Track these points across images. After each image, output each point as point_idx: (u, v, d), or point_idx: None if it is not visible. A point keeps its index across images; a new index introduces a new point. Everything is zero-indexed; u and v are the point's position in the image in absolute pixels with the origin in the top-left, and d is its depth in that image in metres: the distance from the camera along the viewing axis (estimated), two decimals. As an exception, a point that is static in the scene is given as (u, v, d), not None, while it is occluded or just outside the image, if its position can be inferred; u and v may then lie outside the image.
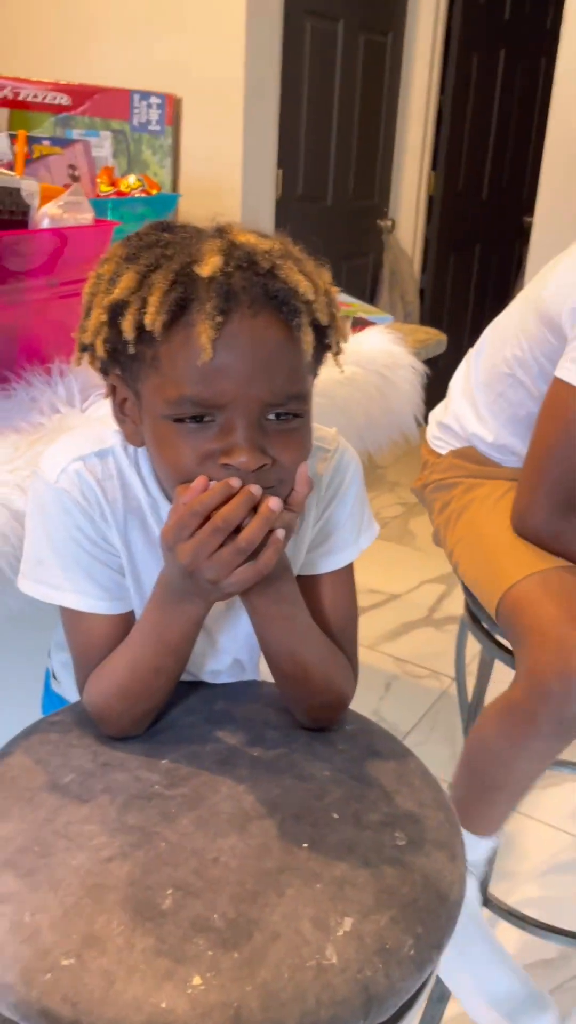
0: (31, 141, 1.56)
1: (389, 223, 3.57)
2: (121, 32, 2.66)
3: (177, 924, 0.64)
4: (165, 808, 0.75)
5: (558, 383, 1.14)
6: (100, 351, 0.71)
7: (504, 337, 1.28)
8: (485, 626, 1.30)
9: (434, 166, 3.62)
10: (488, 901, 1.32)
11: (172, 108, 1.82)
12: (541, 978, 1.43)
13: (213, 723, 0.86)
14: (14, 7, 2.81)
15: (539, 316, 1.20)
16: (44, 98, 1.77)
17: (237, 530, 0.67)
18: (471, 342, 1.39)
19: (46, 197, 1.05)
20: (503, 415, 1.29)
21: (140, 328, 0.67)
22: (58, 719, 0.87)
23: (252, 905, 0.66)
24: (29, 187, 0.97)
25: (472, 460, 1.33)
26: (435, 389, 1.52)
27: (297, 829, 0.73)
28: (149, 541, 0.81)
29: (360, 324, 1.56)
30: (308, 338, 0.68)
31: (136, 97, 1.81)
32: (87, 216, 1.06)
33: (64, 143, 1.58)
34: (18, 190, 0.97)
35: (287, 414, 0.70)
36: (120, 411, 0.76)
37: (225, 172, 2.66)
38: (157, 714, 0.85)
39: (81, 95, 1.80)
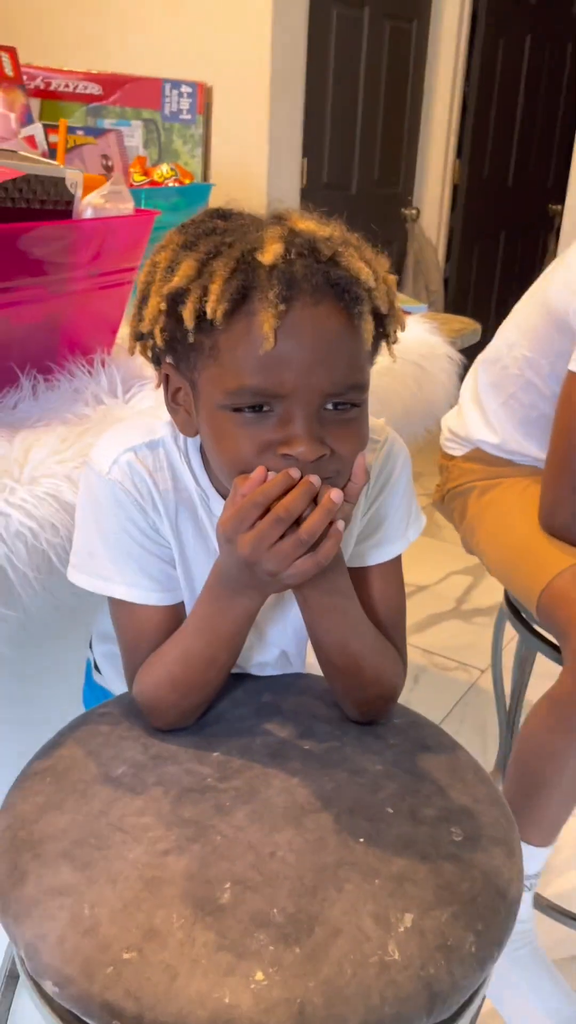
0: (66, 132, 1.55)
1: (414, 211, 3.55)
2: (149, 21, 2.65)
3: (237, 919, 0.64)
4: (219, 801, 0.74)
5: (571, 376, 1.13)
6: (158, 340, 0.70)
7: (512, 339, 1.27)
8: (525, 618, 1.29)
9: (459, 154, 3.59)
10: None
11: (203, 97, 1.80)
12: (578, 972, 1.43)
13: (262, 716, 0.86)
14: (41, -3, 2.80)
15: (546, 315, 1.19)
16: (75, 88, 1.76)
17: (297, 521, 0.67)
18: (496, 331, 1.37)
19: (87, 188, 1.04)
20: (515, 418, 1.28)
21: (200, 317, 0.66)
22: (106, 711, 0.87)
23: (312, 900, 0.66)
24: (73, 177, 0.96)
25: (482, 462, 1.33)
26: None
27: (353, 823, 0.73)
28: (200, 533, 0.81)
29: (395, 314, 1.55)
30: (369, 327, 0.67)
31: (167, 86, 1.79)
32: (128, 206, 1.06)
33: (97, 133, 1.57)
34: (62, 180, 0.96)
35: (345, 404, 0.69)
36: (173, 401, 0.75)
37: (251, 161, 2.65)
38: (207, 707, 0.85)
39: (112, 84, 1.78)
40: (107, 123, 1.76)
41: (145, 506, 0.78)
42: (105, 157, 1.57)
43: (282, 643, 0.90)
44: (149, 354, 0.75)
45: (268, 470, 0.67)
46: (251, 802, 0.74)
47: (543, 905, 1.32)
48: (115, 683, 0.99)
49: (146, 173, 1.60)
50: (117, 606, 0.82)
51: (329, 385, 0.67)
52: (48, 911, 0.65)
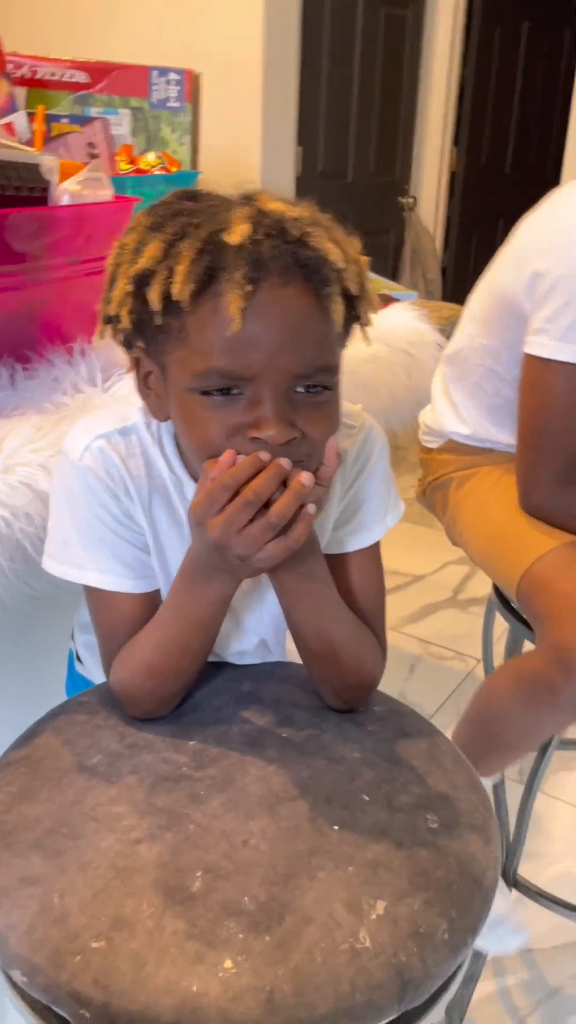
0: (50, 120, 1.54)
1: (411, 200, 3.53)
2: (139, 8, 2.63)
3: (208, 907, 0.63)
4: (194, 790, 0.74)
5: (528, 359, 1.14)
6: (125, 322, 0.70)
7: (470, 330, 1.28)
8: (514, 606, 1.28)
9: (456, 142, 3.57)
10: (517, 882, 1.31)
11: (191, 84, 1.79)
12: (571, 961, 1.42)
13: (240, 704, 0.85)
14: (30, -14, 2.78)
15: (498, 301, 1.20)
16: (62, 76, 1.75)
17: (267, 505, 0.66)
18: None
19: (65, 174, 1.04)
20: (482, 407, 1.29)
21: (167, 298, 0.65)
22: (84, 700, 0.86)
23: (284, 888, 0.65)
24: (48, 163, 0.95)
25: (457, 452, 1.33)
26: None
27: (328, 811, 0.72)
28: (174, 519, 0.80)
29: (385, 301, 1.54)
30: (338, 308, 0.66)
31: (155, 74, 1.78)
32: (107, 193, 1.05)
33: (83, 121, 1.56)
34: (37, 166, 0.95)
35: (316, 386, 0.68)
36: (144, 385, 0.75)
37: (244, 149, 2.63)
38: (184, 695, 0.84)
39: (99, 72, 1.77)
40: (94, 111, 1.75)
41: (118, 492, 0.77)
42: (91, 145, 1.56)
43: (260, 631, 0.89)
44: (120, 338, 0.74)
45: (238, 453, 0.67)
46: (226, 791, 0.74)
47: (535, 893, 1.32)
48: (97, 673, 0.99)
49: (132, 161, 1.59)
50: (92, 594, 0.81)
51: (298, 367, 0.66)
52: (18, 900, 0.64)
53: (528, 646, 1.27)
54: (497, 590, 1.32)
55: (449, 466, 1.34)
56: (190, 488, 0.78)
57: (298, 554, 0.73)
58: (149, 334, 0.70)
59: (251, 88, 2.61)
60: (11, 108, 1.45)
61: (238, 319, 0.63)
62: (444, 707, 2.04)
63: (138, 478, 0.78)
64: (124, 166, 1.57)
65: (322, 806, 0.73)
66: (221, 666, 0.91)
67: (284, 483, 0.66)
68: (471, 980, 1.28)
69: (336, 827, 0.71)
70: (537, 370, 1.14)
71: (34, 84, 1.71)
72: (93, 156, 1.55)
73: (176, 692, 0.82)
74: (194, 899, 0.64)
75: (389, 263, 3.53)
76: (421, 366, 1.40)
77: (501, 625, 1.41)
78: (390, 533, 0.88)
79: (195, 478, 0.78)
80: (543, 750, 1.20)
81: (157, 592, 0.82)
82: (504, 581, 1.17)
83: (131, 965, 0.60)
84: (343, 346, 0.73)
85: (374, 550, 0.87)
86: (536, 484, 1.17)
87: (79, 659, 1.03)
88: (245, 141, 2.65)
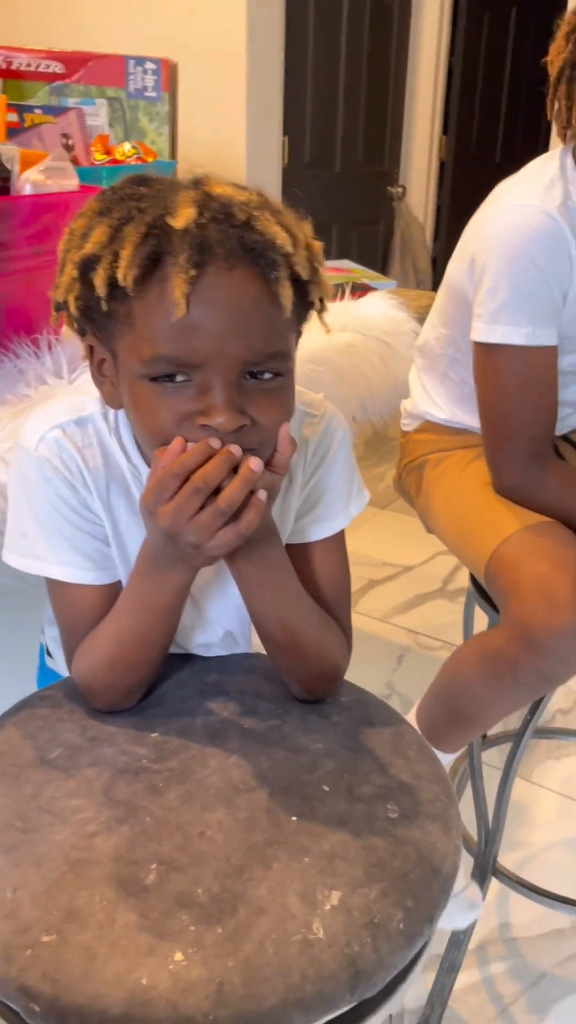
0: (23, 110, 1.53)
1: (400, 189, 3.51)
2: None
3: (161, 899, 0.63)
4: (152, 782, 0.73)
5: (477, 347, 1.15)
6: (73, 309, 0.69)
7: (434, 321, 1.31)
8: (491, 597, 1.28)
9: (445, 130, 3.55)
10: (498, 871, 1.31)
11: (168, 73, 1.78)
12: (554, 949, 1.42)
13: (205, 696, 0.85)
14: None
15: (450, 292, 1.23)
16: (38, 67, 1.74)
17: (218, 492, 0.65)
18: None
19: (29, 163, 1.03)
20: (453, 396, 1.30)
21: (113, 284, 0.64)
22: (49, 694, 0.86)
23: (237, 880, 0.65)
24: (8, 152, 0.94)
25: (433, 432, 1.34)
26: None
27: (286, 802, 0.72)
28: (133, 510, 0.79)
29: (361, 290, 1.53)
30: (287, 292, 0.65)
31: (131, 63, 1.77)
32: (72, 182, 1.04)
33: (57, 112, 1.55)
34: (-2, 155, 0.95)
35: (267, 373, 0.67)
36: (98, 373, 0.74)
37: (229, 139, 2.61)
38: (148, 687, 0.84)
39: (75, 63, 1.76)
40: (71, 102, 1.74)
41: (75, 483, 0.77)
42: (66, 136, 1.55)
43: (224, 622, 0.88)
44: (74, 325, 0.74)
45: (188, 441, 0.66)
46: (185, 783, 0.73)
47: (516, 883, 1.31)
48: (66, 667, 0.98)
49: (108, 152, 1.58)
50: (53, 587, 0.81)
51: (246, 353, 0.65)
52: (-30, 895, 0.64)
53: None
54: (475, 581, 1.32)
55: (425, 447, 1.34)
56: (148, 477, 0.78)
57: (255, 542, 0.73)
58: (98, 320, 0.69)
59: (235, 77, 2.59)
60: (-18, 99, 1.44)
61: (183, 304, 0.62)
62: (432, 697, 2.03)
63: (95, 468, 0.77)
64: (99, 156, 1.56)
65: (280, 797, 0.72)
66: (187, 658, 0.91)
67: (236, 470, 0.66)
68: (453, 969, 1.28)
69: (294, 818, 0.70)
70: (482, 356, 1.15)
71: (9, 75, 1.70)
72: (68, 147, 1.54)
73: (138, 683, 0.81)
74: (147, 891, 0.64)
75: (378, 253, 3.51)
76: (398, 355, 1.40)
77: (483, 617, 1.41)
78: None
79: (151, 465, 0.77)
80: (519, 737, 1.19)
81: (118, 583, 0.81)
82: (473, 562, 1.17)
83: (81, 958, 0.59)
84: (297, 333, 0.72)
85: (338, 540, 0.86)
86: (504, 466, 1.17)
87: (49, 653, 1.02)
88: (230, 131, 2.63)
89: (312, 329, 0.76)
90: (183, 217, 0.63)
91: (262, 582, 0.77)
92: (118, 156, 1.57)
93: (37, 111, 1.52)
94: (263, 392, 0.68)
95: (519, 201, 1.10)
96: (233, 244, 0.64)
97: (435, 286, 3.57)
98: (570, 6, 2.44)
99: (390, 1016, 0.71)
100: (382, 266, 3.51)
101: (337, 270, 1.72)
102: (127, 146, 1.58)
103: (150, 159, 1.58)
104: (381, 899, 0.64)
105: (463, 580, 2.54)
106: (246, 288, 0.64)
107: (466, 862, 1.20)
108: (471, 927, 1.26)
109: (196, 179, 0.69)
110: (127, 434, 0.78)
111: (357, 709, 0.85)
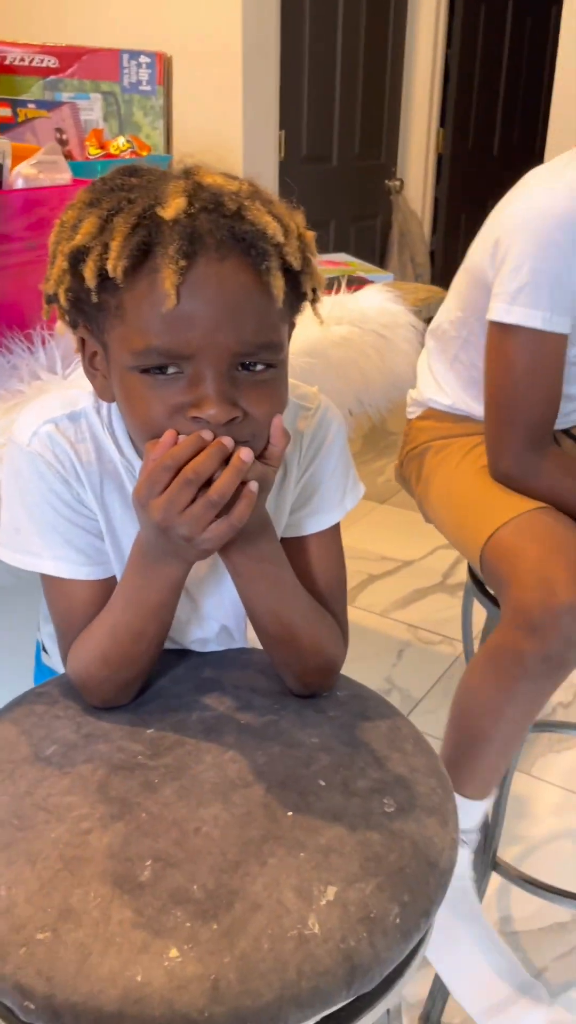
0: (16, 105, 1.52)
1: (397, 183, 3.50)
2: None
3: (156, 896, 0.63)
4: (148, 778, 0.73)
5: (492, 326, 1.16)
6: (63, 301, 0.69)
7: (449, 304, 1.31)
8: (490, 591, 1.27)
9: (442, 123, 3.53)
10: (498, 865, 1.30)
11: (162, 67, 1.77)
12: (555, 943, 1.42)
13: (201, 691, 0.84)
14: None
15: (470, 274, 1.23)
16: (31, 61, 1.73)
17: (210, 484, 0.65)
18: None
19: (21, 157, 1.02)
20: (461, 380, 1.30)
21: (103, 275, 0.64)
22: (44, 690, 0.86)
23: (233, 875, 0.64)
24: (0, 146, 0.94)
25: (436, 419, 1.34)
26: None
27: (282, 797, 0.71)
28: (126, 504, 0.79)
29: (357, 283, 1.52)
30: (278, 283, 0.65)
31: (125, 57, 1.76)
32: (64, 176, 1.03)
33: (51, 106, 1.54)
34: (-11, 149, 0.94)
35: (259, 364, 0.67)
36: (90, 365, 0.74)
37: (225, 134, 2.61)
38: (144, 683, 0.83)
39: (69, 57, 1.75)
40: (65, 96, 1.73)
41: (68, 477, 0.76)
42: (59, 131, 1.54)
43: (220, 616, 0.88)
44: (66, 318, 0.73)
45: (179, 434, 0.66)
46: (180, 778, 0.73)
47: (515, 877, 1.31)
48: (62, 664, 0.98)
49: (103, 146, 1.57)
50: (48, 582, 0.81)
51: (238, 344, 0.65)
52: (-35, 892, 0.64)
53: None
54: (473, 575, 1.31)
55: (428, 434, 1.34)
56: (141, 472, 0.77)
57: (249, 535, 0.72)
58: (89, 312, 0.69)
59: (231, 71, 2.58)
60: (-25, 94, 1.43)
61: (173, 295, 0.62)
62: (432, 691, 2.03)
63: (88, 463, 0.77)
64: (94, 151, 1.55)
65: (276, 792, 0.72)
66: (183, 654, 0.90)
67: (227, 462, 0.65)
68: (453, 964, 1.28)
69: (290, 813, 0.70)
70: (496, 336, 1.15)
71: (2, 70, 1.68)
72: (62, 142, 1.54)
73: (133, 679, 0.81)
74: (142, 888, 0.63)
75: (376, 247, 3.50)
76: (394, 348, 1.39)
77: (482, 611, 1.40)
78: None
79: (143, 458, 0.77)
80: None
81: (113, 579, 0.81)
82: (469, 549, 1.16)
83: (75, 956, 0.59)
84: (290, 324, 0.72)
85: (333, 533, 0.85)
86: (503, 450, 1.17)
87: (45, 650, 1.02)
88: (225, 125, 2.62)
89: (307, 322, 0.75)
90: (173, 207, 0.62)
91: (257, 576, 0.77)
92: (112, 150, 1.56)
93: (31, 106, 1.51)
94: (255, 384, 0.67)
95: (547, 186, 1.11)
96: (224, 234, 0.63)
97: (434, 279, 3.57)
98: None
99: (388, 1011, 0.70)
100: (380, 260, 3.50)
101: (333, 263, 1.71)
102: (121, 140, 1.57)
103: (144, 153, 1.57)
104: (377, 894, 0.64)
105: (463, 574, 2.54)
106: (237, 278, 0.64)
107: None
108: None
109: (187, 169, 0.68)
110: (120, 428, 0.77)
111: (354, 703, 0.85)
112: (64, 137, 1.54)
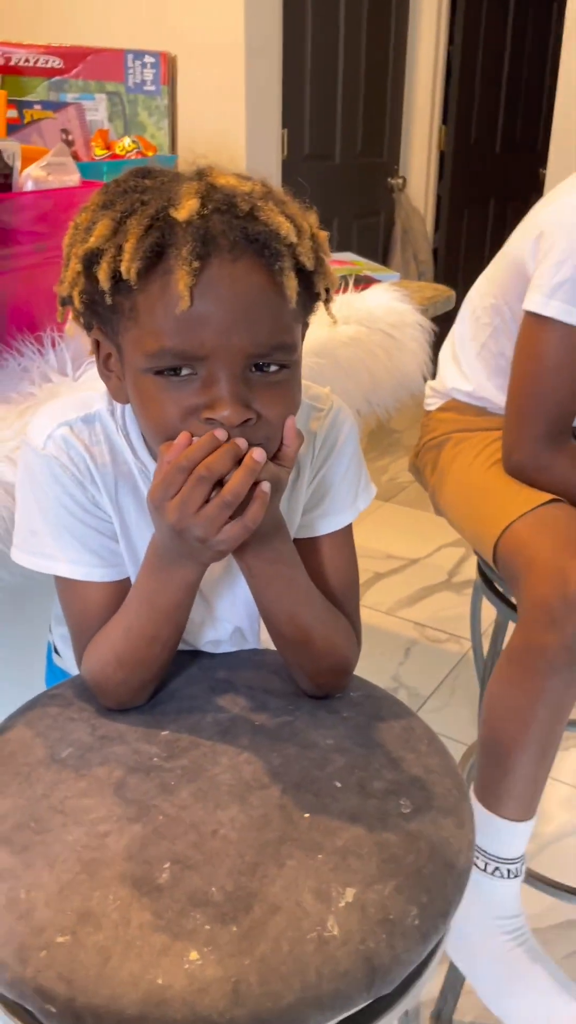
0: (22, 106, 1.52)
1: (400, 180, 3.49)
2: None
3: (174, 899, 0.63)
4: (164, 780, 0.73)
5: (527, 316, 1.16)
6: (77, 303, 0.69)
7: (483, 290, 1.31)
8: (499, 588, 1.27)
9: (444, 120, 3.53)
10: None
11: (167, 67, 1.76)
12: (566, 940, 1.42)
13: (215, 693, 0.84)
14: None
15: (509, 263, 1.23)
16: (36, 62, 1.72)
17: (223, 485, 0.65)
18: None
19: (30, 159, 1.02)
20: (488, 368, 1.30)
21: (116, 277, 0.64)
22: (58, 692, 0.86)
23: (251, 878, 0.64)
24: (9, 148, 0.94)
25: (457, 411, 1.34)
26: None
27: (299, 799, 0.71)
28: (141, 506, 0.79)
29: (365, 282, 1.52)
30: (292, 283, 0.65)
31: (130, 57, 1.75)
32: (73, 177, 1.03)
33: (56, 107, 1.54)
34: (-1, 152, 0.94)
35: (273, 365, 0.67)
36: (104, 367, 0.74)
37: (228, 133, 2.60)
38: (157, 685, 0.83)
39: (74, 57, 1.75)
40: (70, 97, 1.72)
41: (83, 480, 0.76)
42: (65, 132, 1.54)
43: (233, 618, 0.88)
44: (80, 320, 0.73)
45: (193, 436, 0.66)
46: (196, 780, 0.73)
47: (529, 875, 1.31)
48: (74, 666, 0.98)
49: (108, 147, 1.57)
50: (62, 585, 0.81)
51: (251, 345, 0.65)
52: (-16, 896, 0.64)
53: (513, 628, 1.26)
54: (483, 573, 1.31)
55: (448, 425, 1.34)
56: (155, 474, 0.77)
57: (264, 536, 0.72)
58: (103, 314, 0.69)
59: (233, 70, 2.58)
60: (-19, 96, 1.43)
61: (187, 296, 0.62)
62: (440, 689, 2.03)
63: (103, 465, 0.77)
64: (99, 151, 1.55)
65: (292, 794, 0.72)
66: (196, 655, 0.90)
67: (240, 463, 0.65)
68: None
69: (306, 815, 0.70)
70: (531, 327, 1.15)
71: (7, 71, 1.68)
72: (68, 143, 1.54)
73: (148, 681, 0.81)
74: (161, 891, 0.63)
75: (379, 245, 3.50)
76: (402, 347, 1.39)
77: (491, 609, 1.40)
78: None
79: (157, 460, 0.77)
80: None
81: (127, 581, 0.81)
82: (482, 541, 1.16)
83: (96, 959, 0.59)
84: (303, 324, 0.72)
85: (346, 533, 0.85)
86: (519, 443, 1.17)
87: (57, 652, 1.02)
88: (229, 124, 2.61)
89: (316, 322, 0.75)
90: (186, 209, 0.62)
91: (272, 577, 0.77)
92: (118, 151, 1.56)
93: (36, 107, 1.51)
94: (268, 385, 0.67)
95: None
96: (237, 235, 0.63)
97: (436, 277, 3.57)
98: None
99: (406, 1012, 0.70)
100: (383, 258, 3.50)
101: (340, 262, 1.71)
102: (127, 141, 1.57)
103: (150, 153, 1.57)
104: (395, 895, 0.64)
105: (469, 572, 2.54)
106: (250, 279, 0.64)
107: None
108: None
109: (199, 170, 0.68)
110: (134, 431, 0.77)
111: (367, 704, 0.85)
112: (70, 138, 1.54)
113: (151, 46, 1.82)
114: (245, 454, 0.66)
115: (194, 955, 0.59)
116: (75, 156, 1.51)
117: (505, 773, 1.09)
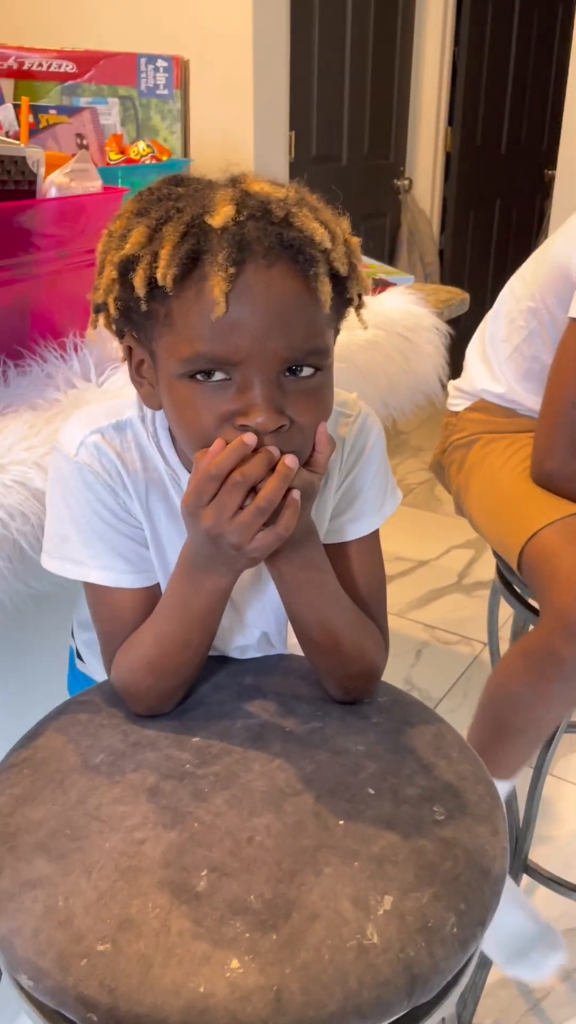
0: (37, 111, 1.53)
1: (406, 182, 3.49)
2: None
3: (213, 906, 0.63)
4: (197, 787, 0.73)
5: (572, 324, 1.15)
6: (112, 310, 0.69)
7: (519, 292, 1.30)
8: (517, 590, 1.27)
9: (450, 121, 3.53)
10: (528, 867, 1.30)
11: (179, 71, 1.77)
12: (583, 943, 1.42)
13: (243, 698, 0.85)
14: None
15: (552, 267, 1.22)
16: (49, 66, 1.73)
17: (257, 492, 0.65)
18: (493, 302, 1.37)
19: (53, 165, 1.02)
20: (519, 371, 1.30)
21: (152, 284, 0.64)
22: (86, 699, 0.86)
23: (289, 885, 0.64)
24: (34, 155, 0.94)
25: (487, 412, 1.34)
26: (459, 350, 1.49)
27: (333, 805, 0.71)
28: (171, 513, 0.79)
29: (381, 285, 1.52)
30: (326, 289, 0.65)
31: (143, 61, 1.76)
32: (95, 184, 1.03)
33: (71, 111, 1.54)
34: (23, 159, 0.94)
35: (306, 370, 0.67)
36: (137, 374, 0.74)
37: (236, 135, 2.60)
38: (186, 691, 0.83)
39: (87, 62, 1.75)
40: (83, 101, 1.73)
41: (115, 487, 0.77)
42: (80, 136, 1.54)
43: (262, 624, 0.88)
44: (112, 327, 0.73)
45: (227, 443, 0.66)
46: (230, 787, 0.73)
47: (546, 879, 1.31)
48: (98, 671, 0.98)
49: (123, 151, 1.58)
50: (92, 591, 0.81)
51: (286, 350, 0.65)
52: (23, 904, 0.64)
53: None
54: (500, 575, 1.31)
55: (478, 426, 1.34)
56: (186, 481, 0.77)
57: (296, 543, 0.72)
58: (137, 321, 0.69)
59: (242, 73, 2.58)
60: (-2, 100, 1.43)
61: (222, 302, 0.62)
62: (451, 692, 2.03)
63: (134, 472, 0.77)
64: (114, 156, 1.55)
65: (327, 800, 0.72)
66: (223, 660, 0.90)
67: (273, 470, 0.66)
68: (484, 965, 1.28)
69: (341, 821, 0.70)
70: (573, 334, 1.14)
71: (21, 76, 1.69)
72: (82, 147, 1.54)
73: (178, 687, 0.81)
74: (200, 898, 0.63)
75: (386, 247, 3.50)
76: (419, 350, 1.39)
77: (507, 610, 1.40)
78: (394, 519, 0.87)
79: (190, 469, 0.77)
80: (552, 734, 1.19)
81: (157, 587, 0.81)
82: (508, 546, 1.16)
83: (137, 967, 0.59)
84: (335, 329, 0.72)
85: (373, 538, 0.86)
86: (551, 451, 1.17)
87: (80, 657, 1.02)
88: (237, 127, 2.61)
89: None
90: (221, 215, 0.63)
91: (303, 583, 0.77)
92: (132, 155, 1.56)
93: (51, 111, 1.51)
94: (302, 392, 0.67)
95: None
96: (272, 241, 0.63)
97: (443, 278, 3.57)
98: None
99: (443, 1019, 0.71)
100: (390, 259, 3.50)
101: (353, 266, 1.71)
102: (141, 145, 1.57)
103: (164, 158, 1.57)
104: (433, 903, 0.64)
105: (479, 574, 2.54)
106: (285, 285, 0.64)
107: (529, 905, 1.17)
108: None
109: (233, 177, 0.68)
110: (165, 438, 0.77)
111: (395, 709, 0.85)
112: (84, 142, 1.54)
113: (162, 50, 1.82)
114: (278, 461, 0.66)
115: (235, 963, 0.59)
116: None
117: (498, 745, 1.14)
